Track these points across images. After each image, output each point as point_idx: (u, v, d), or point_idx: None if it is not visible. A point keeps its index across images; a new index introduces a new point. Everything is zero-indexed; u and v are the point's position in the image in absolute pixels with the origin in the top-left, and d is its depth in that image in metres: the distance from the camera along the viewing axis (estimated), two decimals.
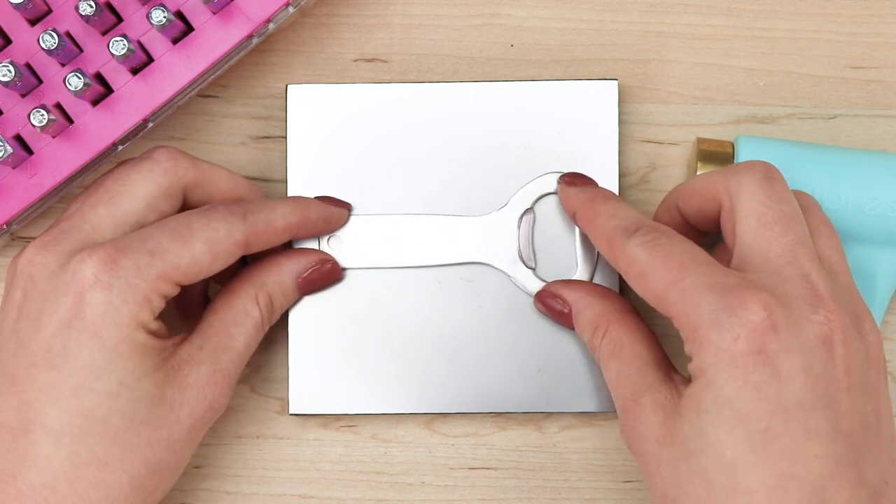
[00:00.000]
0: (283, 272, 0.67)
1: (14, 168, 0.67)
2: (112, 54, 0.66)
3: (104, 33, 0.68)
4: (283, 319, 0.71)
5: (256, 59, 0.72)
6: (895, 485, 0.58)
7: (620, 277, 0.70)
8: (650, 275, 0.61)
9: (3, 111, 0.67)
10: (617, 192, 0.70)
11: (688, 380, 0.60)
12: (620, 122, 0.72)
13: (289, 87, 0.70)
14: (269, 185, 0.72)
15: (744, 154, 0.68)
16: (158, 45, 0.67)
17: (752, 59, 0.72)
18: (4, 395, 0.62)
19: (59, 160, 0.67)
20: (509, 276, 0.70)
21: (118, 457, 0.62)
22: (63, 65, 0.68)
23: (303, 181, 0.70)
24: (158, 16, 0.66)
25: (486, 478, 0.72)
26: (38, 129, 0.66)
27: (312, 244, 0.70)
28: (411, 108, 0.70)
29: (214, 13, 0.67)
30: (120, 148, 0.69)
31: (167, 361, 0.63)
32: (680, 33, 0.72)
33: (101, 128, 0.67)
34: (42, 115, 0.65)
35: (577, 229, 0.70)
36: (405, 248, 0.70)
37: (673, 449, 0.59)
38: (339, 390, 0.70)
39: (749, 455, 0.57)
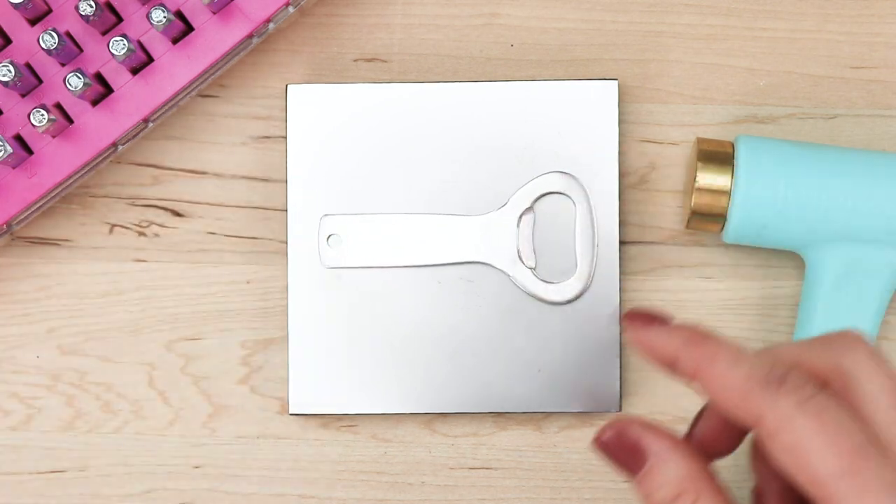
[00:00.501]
0: None
1: (14, 168, 0.67)
2: (112, 54, 0.66)
3: (104, 33, 0.68)
4: (283, 319, 0.71)
5: (256, 59, 0.72)
6: None
7: (620, 278, 0.70)
8: (813, 453, 0.49)
9: (3, 111, 0.67)
10: (617, 193, 0.70)
11: None
12: (620, 122, 0.72)
13: (289, 87, 0.70)
14: (269, 185, 0.72)
15: (744, 154, 0.68)
16: (158, 45, 0.67)
17: (752, 59, 0.72)
18: None
19: (59, 160, 0.67)
20: (509, 276, 0.70)
21: None
22: (63, 65, 0.68)
23: (303, 181, 0.70)
24: (158, 16, 0.66)
25: (486, 478, 0.72)
26: (39, 129, 0.66)
27: (312, 244, 0.70)
28: (411, 108, 0.70)
29: (214, 13, 0.67)
30: (120, 148, 0.69)
31: None
32: (680, 33, 0.72)
33: (101, 128, 0.67)
34: (42, 115, 0.65)
35: (576, 229, 0.70)
36: (405, 248, 0.70)
37: None
38: (339, 390, 0.70)
39: None
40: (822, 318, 0.68)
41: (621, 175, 0.71)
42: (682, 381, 0.54)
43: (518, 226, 0.70)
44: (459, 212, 0.70)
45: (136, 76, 0.67)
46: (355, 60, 0.72)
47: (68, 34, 0.68)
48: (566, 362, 0.69)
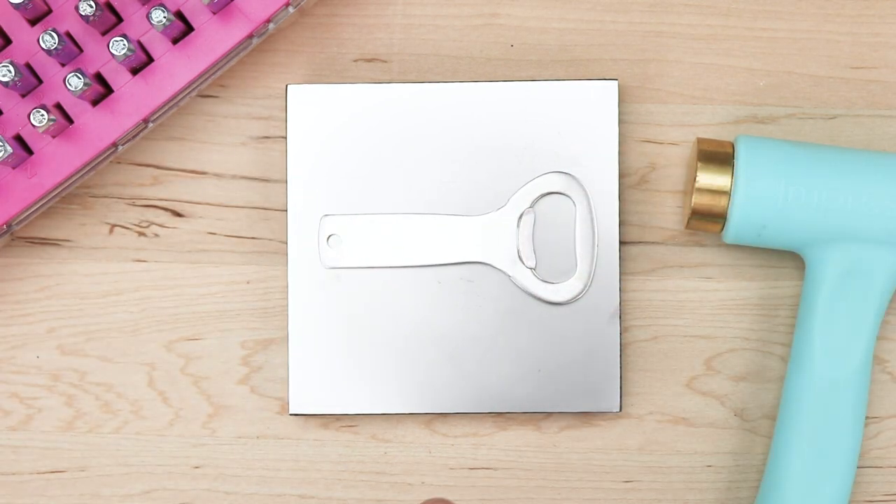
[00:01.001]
0: None
1: (14, 168, 0.67)
2: (112, 54, 0.66)
3: (104, 33, 0.68)
4: (283, 319, 0.71)
5: (256, 59, 0.72)
6: None
7: (620, 278, 0.70)
8: None
9: (3, 111, 0.67)
10: (617, 193, 0.70)
11: None
12: (620, 122, 0.72)
13: (289, 87, 0.70)
14: (269, 185, 0.72)
15: (744, 154, 0.68)
16: (158, 45, 0.67)
17: (752, 59, 0.72)
18: None
19: (59, 160, 0.67)
20: (509, 276, 0.70)
21: None
22: (63, 65, 0.68)
23: (303, 181, 0.70)
24: (158, 16, 0.66)
25: (486, 478, 0.72)
26: (39, 129, 0.66)
27: (312, 244, 0.70)
28: (411, 109, 0.70)
29: (214, 13, 0.67)
30: (120, 148, 0.69)
31: None
32: (680, 33, 0.72)
33: (101, 128, 0.67)
34: (42, 115, 0.65)
35: (576, 229, 0.70)
36: (405, 248, 0.70)
37: None
38: (339, 390, 0.70)
39: None
40: (822, 318, 0.68)
41: (621, 175, 0.71)
42: None
43: (518, 226, 0.70)
44: (459, 212, 0.70)
45: (136, 76, 0.67)
46: (355, 60, 0.72)
47: (68, 34, 0.68)
48: (566, 362, 0.69)
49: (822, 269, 0.68)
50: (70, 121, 0.67)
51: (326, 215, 0.70)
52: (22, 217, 0.69)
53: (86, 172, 0.69)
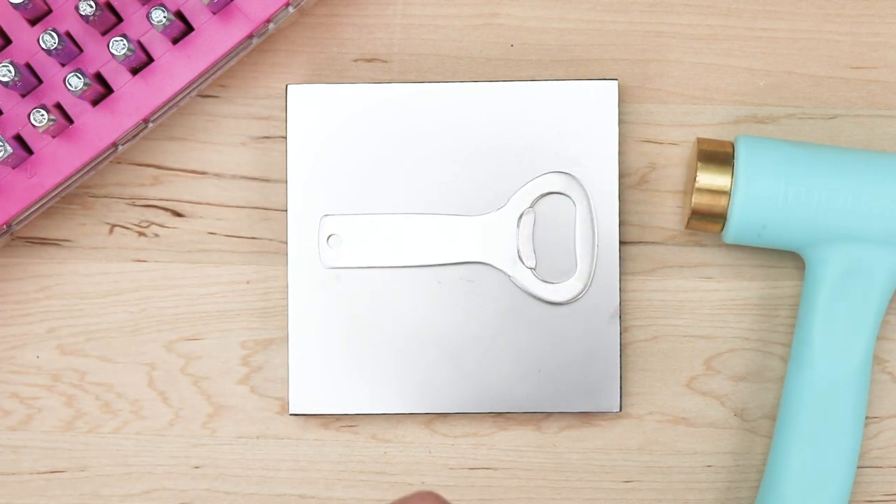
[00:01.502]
0: None
1: (14, 168, 0.67)
2: (112, 54, 0.66)
3: (104, 33, 0.68)
4: (283, 319, 0.71)
5: (256, 59, 0.72)
6: None
7: (620, 278, 0.70)
8: None
9: (3, 111, 0.67)
10: (617, 193, 0.70)
11: None
12: (620, 122, 0.72)
13: (289, 87, 0.70)
14: (269, 185, 0.72)
15: (744, 154, 0.68)
16: (158, 45, 0.67)
17: (752, 59, 0.72)
18: None
19: (59, 160, 0.67)
20: (509, 276, 0.70)
21: None
22: (63, 65, 0.68)
23: (303, 181, 0.70)
24: (158, 16, 0.66)
25: (486, 478, 0.72)
26: (39, 129, 0.66)
27: (312, 244, 0.70)
28: (411, 109, 0.70)
29: (214, 13, 0.67)
30: (120, 148, 0.69)
31: None
32: (680, 33, 0.72)
33: (101, 128, 0.67)
34: (42, 115, 0.65)
35: (576, 229, 0.70)
36: (405, 248, 0.70)
37: None
38: (339, 390, 0.70)
39: None
40: (822, 318, 0.68)
41: (621, 175, 0.71)
42: None
43: (518, 226, 0.70)
44: (459, 212, 0.70)
45: (136, 76, 0.67)
46: (355, 60, 0.72)
47: (68, 34, 0.68)
48: (566, 362, 0.69)
49: (822, 269, 0.68)
50: (70, 121, 0.67)
51: (326, 215, 0.70)
52: (22, 217, 0.69)
53: (86, 172, 0.69)
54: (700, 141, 0.69)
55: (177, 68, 0.67)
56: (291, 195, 0.70)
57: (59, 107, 0.68)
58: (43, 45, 0.65)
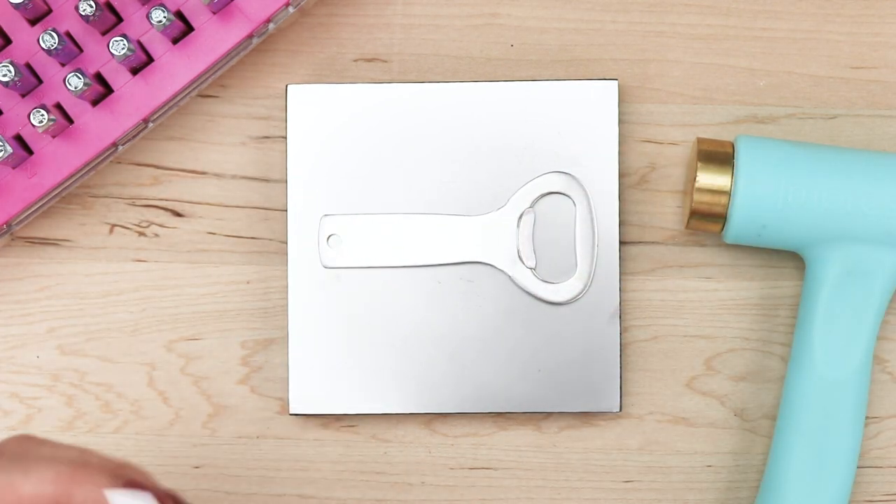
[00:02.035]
0: None
1: (14, 168, 0.67)
2: (112, 54, 0.66)
3: (104, 33, 0.68)
4: (284, 319, 0.71)
5: (256, 59, 0.72)
6: None
7: (620, 278, 0.70)
8: None
9: (3, 111, 0.67)
10: (617, 193, 0.70)
11: None
12: (620, 122, 0.72)
13: (289, 87, 0.70)
14: (269, 185, 0.72)
15: (744, 154, 0.68)
16: (158, 45, 0.67)
17: (752, 59, 0.72)
18: None
19: (59, 160, 0.67)
20: (509, 276, 0.70)
21: None
22: (63, 65, 0.68)
23: (303, 181, 0.70)
24: (158, 16, 0.66)
25: (486, 478, 0.72)
26: (39, 129, 0.66)
27: (312, 244, 0.70)
28: (411, 108, 0.70)
29: (214, 13, 0.67)
30: (120, 148, 0.69)
31: None
32: (680, 33, 0.72)
33: (101, 128, 0.67)
34: (42, 115, 0.65)
35: (576, 229, 0.70)
36: (405, 248, 0.70)
37: None
38: (339, 390, 0.70)
39: None
40: (822, 318, 0.68)
41: (621, 175, 0.71)
42: None
43: (518, 226, 0.70)
44: (459, 212, 0.70)
45: (136, 76, 0.67)
46: (355, 60, 0.72)
47: (68, 34, 0.68)
48: (566, 362, 0.69)
49: (822, 269, 0.68)
50: (70, 121, 0.67)
51: (326, 215, 0.70)
52: (22, 217, 0.69)
53: (86, 172, 0.69)
54: (700, 141, 0.69)
55: (177, 68, 0.67)
56: (291, 195, 0.70)
57: (59, 107, 0.68)
58: (43, 45, 0.65)
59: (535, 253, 0.70)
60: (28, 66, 0.68)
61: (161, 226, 0.72)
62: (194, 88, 0.69)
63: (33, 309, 0.72)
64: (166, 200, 0.72)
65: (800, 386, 0.68)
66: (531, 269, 0.70)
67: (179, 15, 0.67)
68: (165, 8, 0.66)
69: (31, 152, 0.67)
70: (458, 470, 0.72)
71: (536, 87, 0.70)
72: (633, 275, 0.71)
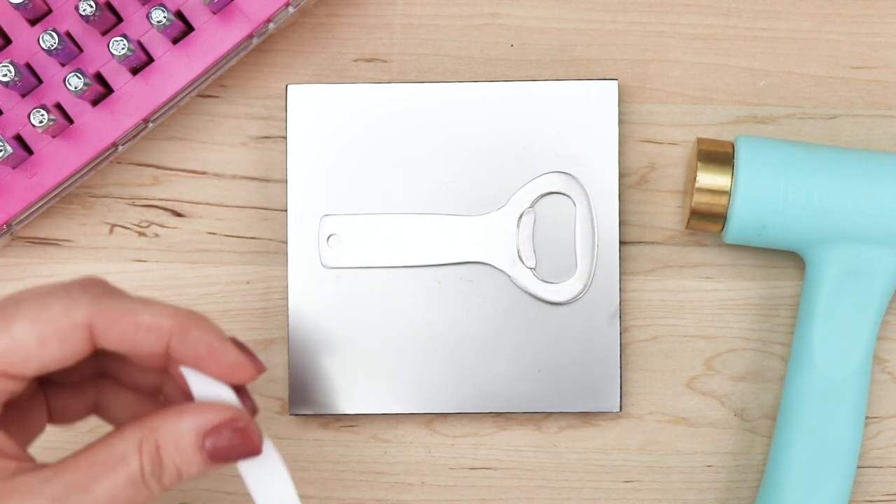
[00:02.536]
0: (182, 422, 0.54)
1: (14, 168, 0.67)
2: (112, 54, 0.66)
3: (104, 33, 0.68)
4: (284, 319, 0.71)
5: (256, 59, 0.72)
6: None
7: (620, 278, 0.70)
8: None
9: (3, 111, 0.67)
10: (617, 193, 0.70)
11: None
12: (620, 122, 0.72)
13: (289, 87, 0.70)
14: (269, 185, 0.72)
15: (744, 154, 0.68)
16: (158, 45, 0.67)
17: (752, 59, 0.72)
18: None
19: (59, 160, 0.67)
20: (509, 276, 0.70)
21: None
22: (63, 65, 0.68)
23: (303, 181, 0.70)
24: (158, 16, 0.66)
25: (486, 478, 0.72)
26: (38, 130, 0.66)
27: (312, 244, 0.70)
28: (411, 108, 0.70)
29: (214, 13, 0.67)
30: (120, 148, 0.69)
31: None
32: (680, 33, 0.72)
33: (101, 128, 0.67)
34: (42, 115, 0.65)
35: (576, 229, 0.70)
36: (405, 248, 0.70)
37: None
38: (339, 390, 0.70)
39: None
40: (822, 318, 0.68)
41: (621, 175, 0.71)
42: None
43: (518, 226, 0.70)
44: (459, 212, 0.70)
45: (136, 76, 0.67)
46: (355, 60, 0.72)
47: (68, 34, 0.68)
48: (566, 362, 0.69)
49: (822, 269, 0.68)
50: (70, 121, 0.67)
51: (326, 215, 0.70)
52: (22, 217, 0.69)
53: (86, 172, 0.69)
54: (700, 141, 0.69)
55: (177, 68, 0.67)
56: (291, 195, 0.70)
57: (59, 107, 0.68)
58: (43, 45, 0.65)
59: (535, 253, 0.70)
60: (28, 66, 0.68)
61: (161, 226, 0.72)
62: (194, 88, 0.69)
63: None
64: (166, 200, 0.72)
65: (800, 386, 0.68)
66: (531, 269, 0.70)
67: (179, 15, 0.67)
68: (165, 8, 0.66)
69: (31, 152, 0.67)
70: (458, 470, 0.72)
71: (536, 87, 0.70)
72: (633, 275, 0.71)
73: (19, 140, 0.67)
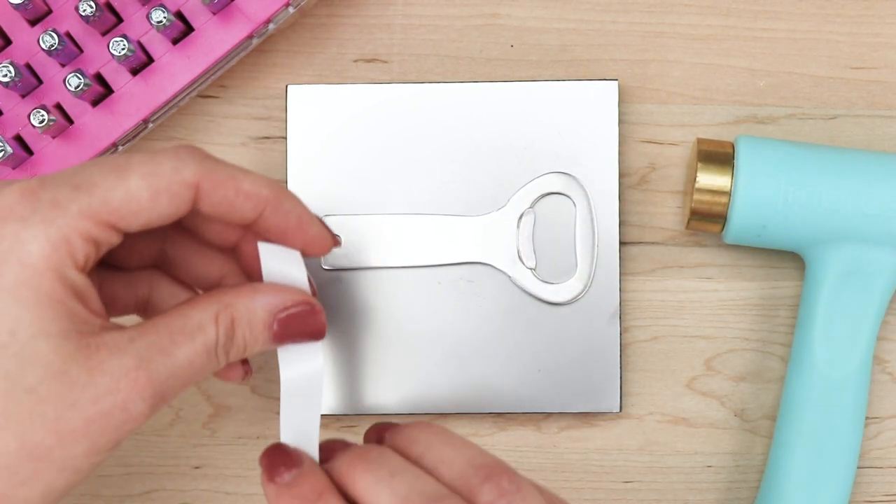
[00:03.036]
0: (257, 300, 0.57)
1: (14, 168, 0.67)
2: (112, 54, 0.66)
3: (104, 33, 0.68)
4: None
5: (256, 60, 0.72)
6: None
7: (620, 278, 0.70)
8: None
9: (3, 111, 0.67)
10: (617, 193, 0.70)
11: None
12: (620, 122, 0.72)
13: (289, 87, 0.70)
14: None
15: (744, 154, 0.68)
16: (158, 46, 0.67)
17: (752, 59, 0.72)
18: None
19: (58, 160, 0.67)
20: (509, 276, 0.70)
21: None
22: (63, 65, 0.68)
23: (303, 181, 0.70)
24: (158, 16, 0.66)
25: None
26: (39, 130, 0.66)
27: None
28: (411, 109, 0.70)
29: (214, 13, 0.67)
30: (120, 148, 0.69)
31: (85, 337, 0.53)
32: (680, 33, 0.72)
33: (101, 128, 0.67)
34: (42, 115, 0.66)
35: (576, 229, 0.70)
36: (405, 248, 0.70)
37: None
38: (339, 390, 0.70)
39: None
40: (822, 319, 0.68)
41: (621, 175, 0.71)
42: None
43: (518, 226, 0.70)
44: (459, 212, 0.70)
45: (136, 76, 0.67)
46: (355, 61, 0.72)
47: (68, 34, 0.68)
48: (566, 362, 0.69)
49: (822, 269, 0.68)
50: (70, 121, 0.67)
51: (326, 215, 0.70)
52: None
53: None
54: (700, 141, 0.69)
55: (177, 68, 0.67)
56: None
57: (59, 107, 0.68)
58: (43, 46, 0.65)
59: (535, 253, 0.70)
60: (28, 66, 0.68)
61: None
62: (194, 89, 0.69)
63: None
64: None
65: (800, 386, 0.68)
66: (531, 269, 0.70)
67: (179, 15, 0.67)
68: (165, 8, 0.66)
69: (31, 153, 0.67)
70: None
71: (536, 87, 0.70)
72: (633, 275, 0.71)
73: (19, 140, 0.67)
